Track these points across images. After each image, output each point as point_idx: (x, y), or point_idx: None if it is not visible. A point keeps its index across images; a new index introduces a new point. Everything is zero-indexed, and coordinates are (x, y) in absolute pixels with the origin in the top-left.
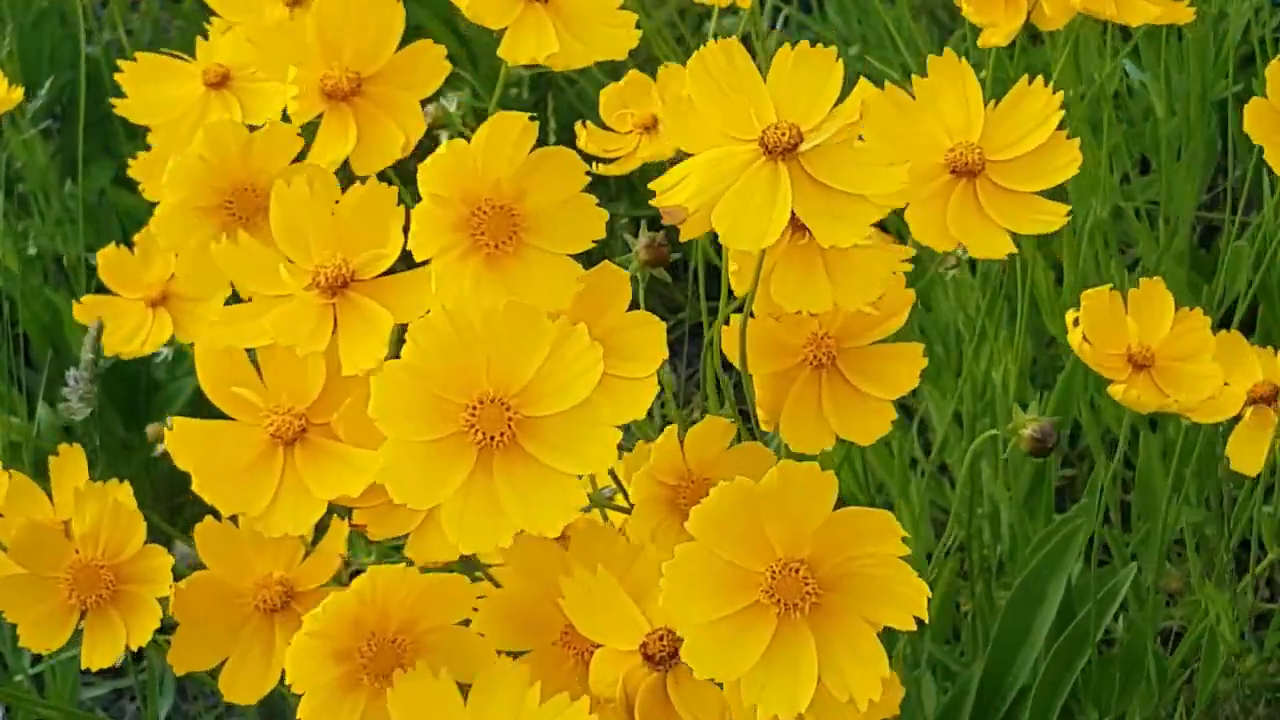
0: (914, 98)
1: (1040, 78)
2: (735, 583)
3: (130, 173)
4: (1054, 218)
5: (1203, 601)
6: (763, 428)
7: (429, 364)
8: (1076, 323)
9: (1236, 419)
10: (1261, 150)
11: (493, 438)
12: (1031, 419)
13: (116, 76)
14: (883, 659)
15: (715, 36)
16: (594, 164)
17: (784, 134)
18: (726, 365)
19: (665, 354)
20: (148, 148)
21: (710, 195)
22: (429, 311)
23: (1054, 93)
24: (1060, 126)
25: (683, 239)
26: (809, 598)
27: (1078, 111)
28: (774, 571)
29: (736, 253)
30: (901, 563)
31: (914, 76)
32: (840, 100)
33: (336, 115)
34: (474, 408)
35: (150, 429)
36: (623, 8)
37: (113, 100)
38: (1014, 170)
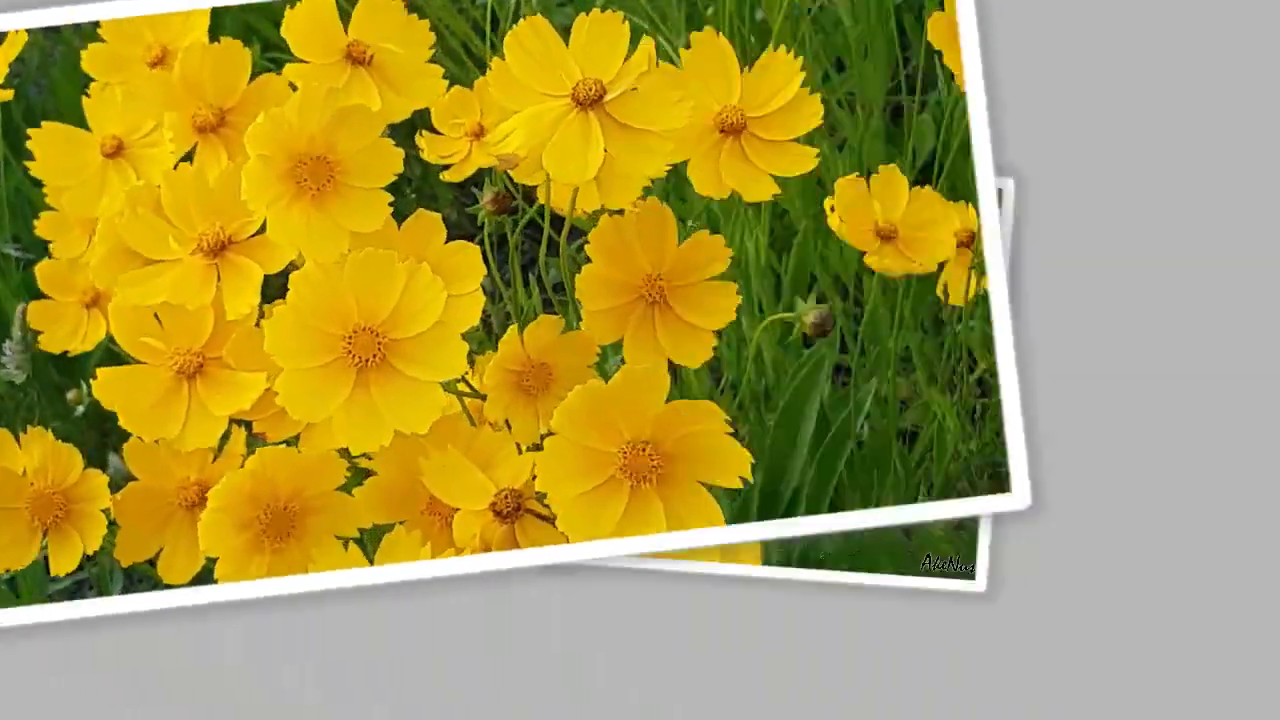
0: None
1: (783, 48)
2: (594, 463)
3: (37, 232)
4: (807, 159)
5: (930, 405)
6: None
7: (309, 305)
8: (833, 209)
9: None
10: (930, 45)
11: (367, 360)
12: (811, 308)
13: (29, 144)
14: (718, 513)
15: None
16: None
17: (590, 88)
18: (528, 265)
19: (484, 271)
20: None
21: (537, 142)
22: (295, 262)
23: (787, 51)
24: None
25: (516, 180)
26: (655, 470)
27: (785, 31)
28: (624, 451)
29: (560, 186)
30: (727, 437)
31: (681, 50)
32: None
33: (208, 145)
34: (349, 337)
35: (70, 395)
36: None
37: (26, 163)
38: (770, 124)
